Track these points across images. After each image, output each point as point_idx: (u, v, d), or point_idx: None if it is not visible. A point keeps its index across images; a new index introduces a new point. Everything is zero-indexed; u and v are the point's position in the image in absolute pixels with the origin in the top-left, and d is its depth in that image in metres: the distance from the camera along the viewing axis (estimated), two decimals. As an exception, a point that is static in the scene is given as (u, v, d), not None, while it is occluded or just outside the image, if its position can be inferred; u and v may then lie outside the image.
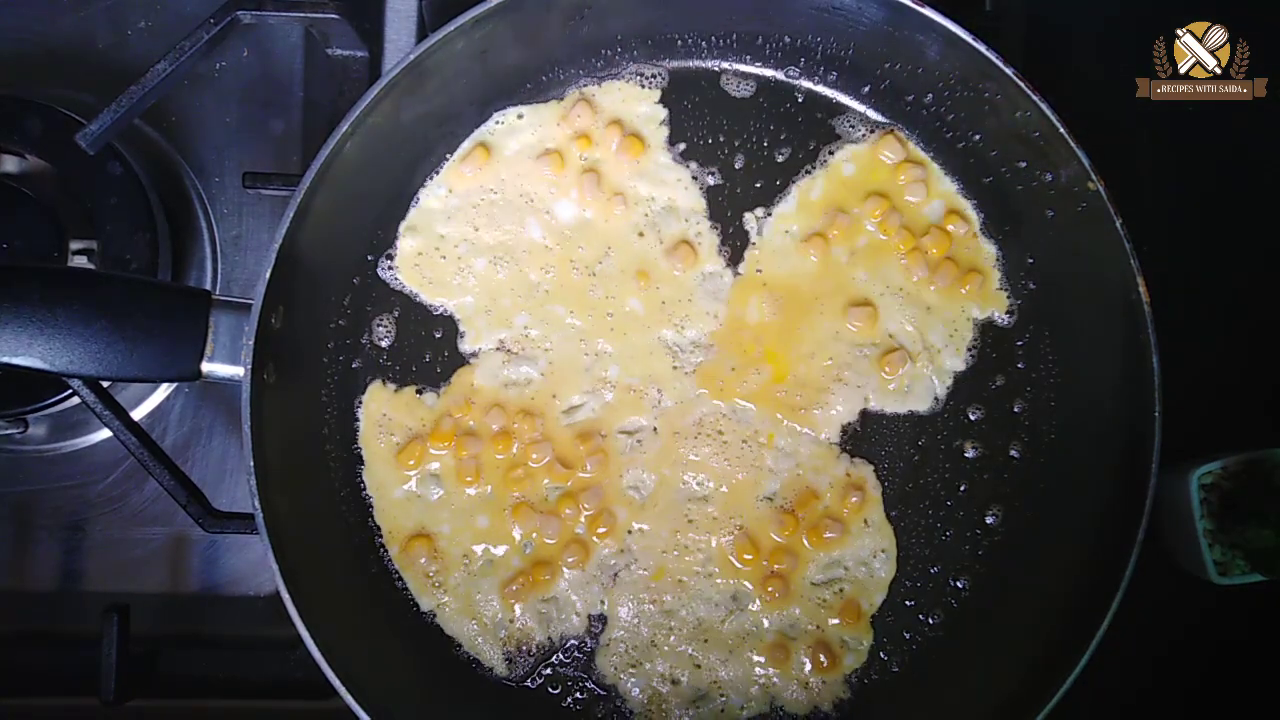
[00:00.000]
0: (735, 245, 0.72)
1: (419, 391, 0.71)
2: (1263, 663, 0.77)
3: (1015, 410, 0.72)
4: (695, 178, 0.73)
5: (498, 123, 0.72)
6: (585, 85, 0.73)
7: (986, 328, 0.72)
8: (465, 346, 0.71)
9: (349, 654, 0.61)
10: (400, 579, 0.69)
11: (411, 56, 0.64)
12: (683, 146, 0.73)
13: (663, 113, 0.73)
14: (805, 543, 0.69)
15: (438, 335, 0.72)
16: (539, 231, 0.72)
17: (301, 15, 0.73)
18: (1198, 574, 0.73)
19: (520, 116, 0.72)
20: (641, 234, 0.72)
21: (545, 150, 0.72)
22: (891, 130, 0.73)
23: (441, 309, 0.71)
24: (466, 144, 0.72)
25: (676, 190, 0.73)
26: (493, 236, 0.71)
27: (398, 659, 0.68)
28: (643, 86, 0.73)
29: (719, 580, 0.69)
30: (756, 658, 0.69)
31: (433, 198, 0.72)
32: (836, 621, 0.69)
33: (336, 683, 0.60)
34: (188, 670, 0.76)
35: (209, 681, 0.76)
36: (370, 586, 0.69)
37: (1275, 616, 0.76)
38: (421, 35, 0.78)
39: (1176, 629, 0.76)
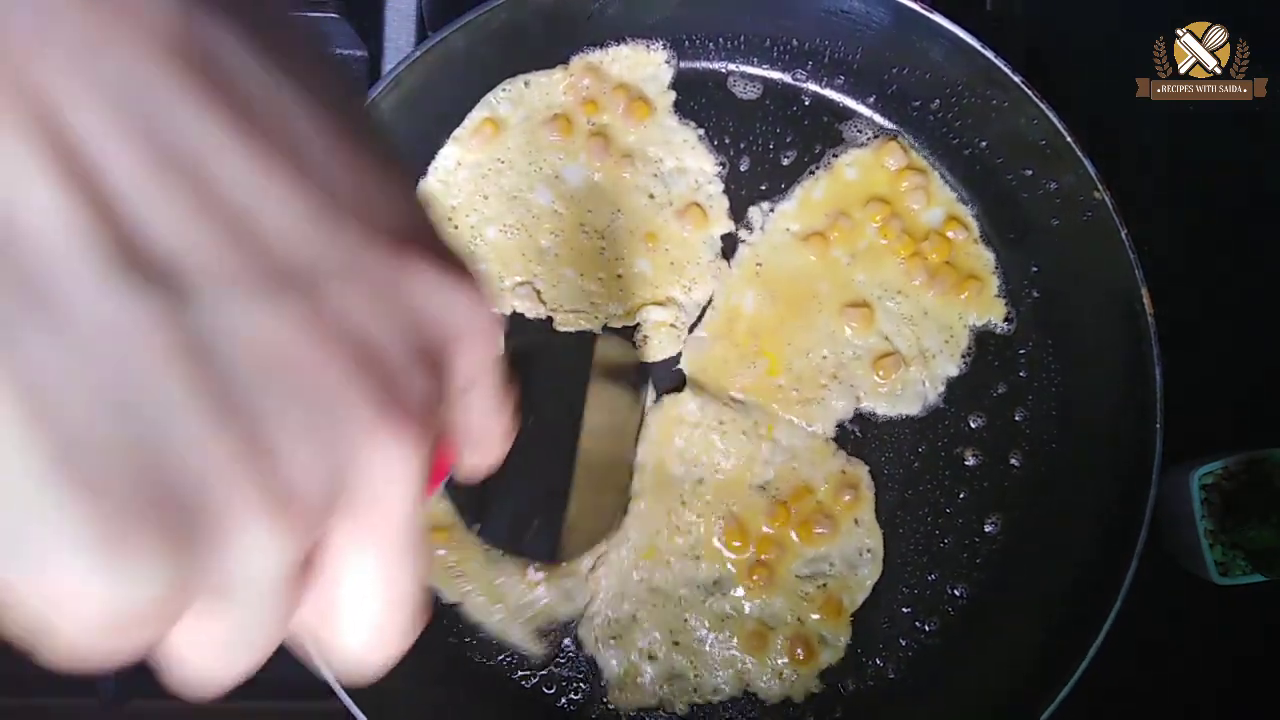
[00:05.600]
0: (743, 211, 0.73)
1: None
2: (1264, 663, 0.77)
3: (1016, 419, 0.72)
4: (702, 138, 0.73)
5: (504, 90, 0.72)
6: (591, 52, 0.73)
7: (987, 335, 0.72)
8: None
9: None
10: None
11: (412, 58, 0.64)
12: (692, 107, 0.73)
13: (669, 73, 0.73)
14: (794, 536, 0.70)
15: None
16: (548, 196, 0.72)
17: (300, 15, 0.73)
18: (1198, 574, 0.73)
19: (526, 85, 0.72)
20: (651, 195, 0.72)
21: (553, 115, 0.72)
22: (894, 137, 0.73)
23: None
24: (475, 115, 0.72)
25: (684, 151, 0.73)
26: (503, 204, 0.72)
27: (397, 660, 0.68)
28: (648, 50, 0.73)
29: (705, 564, 0.69)
30: (734, 643, 0.69)
31: (442, 171, 0.72)
32: (817, 616, 0.69)
33: (335, 683, 0.60)
34: (187, 670, 0.76)
35: (208, 681, 0.76)
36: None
37: (1277, 616, 0.76)
38: (421, 35, 0.78)
39: (1176, 630, 0.76)
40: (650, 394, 0.71)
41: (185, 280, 0.21)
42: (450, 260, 0.26)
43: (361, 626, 0.25)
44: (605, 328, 0.71)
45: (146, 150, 0.20)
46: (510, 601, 0.69)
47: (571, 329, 0.71)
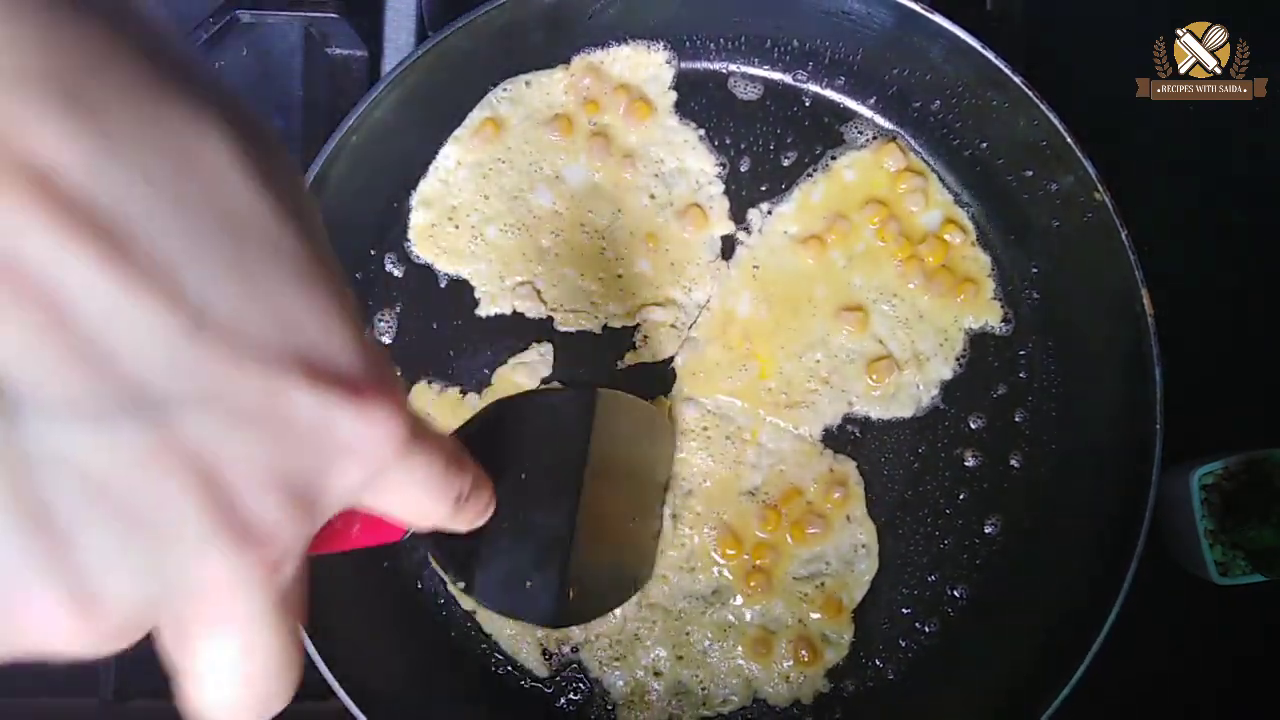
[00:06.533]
0: (744, 212, 0.73)
1: (463, 393, 0.71)
2: (1265, 663, 0.77)
3: (1016, 419, 0.71)
4: (703, 139, 0.73)
5: (505, 90, 0.72)
6: (592, 52, 0.73)
7: (985, 337, 0.72)
8: (481, 311, 0.71)
9: (348, 654, 0.61)
10: (410, 578, 0.69)
11: (412, 58, 0.64)
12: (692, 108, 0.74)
13: (670, 73, 0.73)
14: (788, 539, 0.70)
15: (434, 326, 0.72)
16: (549, 197, 0.72)
17: (301, 14, 0.73)
18: (1199, 574, 0.73)
19: (527, 84, 0.72)
20: (652, 196, 0.72)
21: (554, 115, 0.72)
22: (894, 139, 0.73)
23: (449, 279, 0.72)
24: (475, 115, 0.72)
25: (685, 151, 0.73)
26: (504, 204, 0.72)
27: (397, 660, 0.68)
28: (649, 50, 0.73)
29: (701, 575, 0.69)
30: (738, 651, 0.69)
31: (442, 171, 0.72)
32: (818, 616, 0.69)
33: (334, 683, 0.60)
34: (187, 670, 0.76)
35: (208, 681, 0.76)
36: (373, 585, 0.69)
37: (1277, 616, 0.76)
38: (421, 35, 0.78)
39: (1176, 630, 0.76)
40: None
41: (18, 398, 0.22)
42: (344, 382, 0.27)
43: (216, 696, 0.28)
44: (605, 328, 0.71)
45: None
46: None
47: (570, 327, 0.71)
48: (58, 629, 0.23)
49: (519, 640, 0.69)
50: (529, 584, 0.43)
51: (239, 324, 0.24)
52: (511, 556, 0.42)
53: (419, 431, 0.30)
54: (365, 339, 0.28)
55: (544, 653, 0.69)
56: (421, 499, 0.32)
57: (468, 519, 0.36)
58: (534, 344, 0.71)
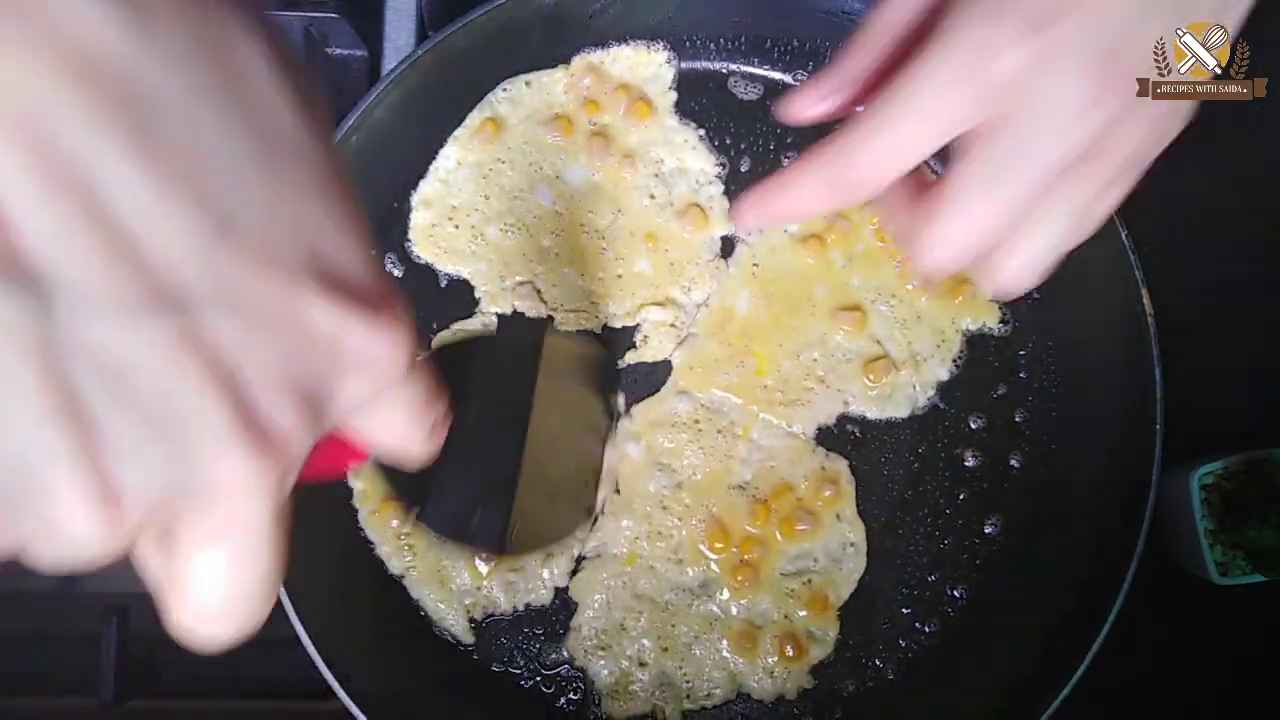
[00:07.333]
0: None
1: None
2: (1265, 663, 0.77)
3: (1016, 419, 0.71)
4: (703, 138, 0.73)
5: (505, 90, 0.72)
6: (592, 52, 0.73)
7: (985, 337, 0.72)
8: (482, 311, 0.71)
9: (348, 655, 0.61)
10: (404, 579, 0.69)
11: (412, 58, 0.64)
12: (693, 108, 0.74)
13: (670, 73, 0.73)
14: (776, 534, 0.70)
15: (435, 327, 0.72)
16: (549, 197, 0.72)
17: (301, 15, 0.73)
18: (1199, 574, 0.73)
19: (527, 84, 0.72)
20: (652, 196, 0.72)
21: (554, 115, 0.72)
22: (894, 138, 0.73)
23: (449, 279, 0.72)
24: (475, 115, 0.72)
25: (685, 151, 0.73)
26: (504, 204, 0.72)
27: (398, 660, 0.68)
28: (649, 50, 0.73)
29: (689, 567, 0.70)
30: (723, 645, 0.69)
31: (442, 171, 0.72)
32: (804, 613, 0.69)
33: (334, 683, 0.60)
34: (187, 670, 0.76)
35: (209, 681, 0.76)
36: (374, 587, 0.69)
37: (1277, 616, 0.76)
38: (421, 35, 0.78)
39: (1176, 630, 0.76)
40: (621, 400, 0.71)
41: (54, 288, 0.21)
42: (358, 295, 0.27)
43: (202, 607, 0.27)
44: (605, 327, 0.71)
45: (31, 160, 0.21)
46: (452, 585, 0.69)
47: (571, 327, 0.71)
48: (75, 519, 0.23)
49: (446, 607, 0.69)
50: (478, 513, 0.45)
51: (262, 229, 0.25)
52: (461, 489, 0.44)
53: (415, 357, 0.31)
54: (374, 258, 0.29)
55: (470, 620, 0.69)
56: (406, 422, 0.33)
57: (430, 449, 0.36)
58: (479, 313, 0.71)
